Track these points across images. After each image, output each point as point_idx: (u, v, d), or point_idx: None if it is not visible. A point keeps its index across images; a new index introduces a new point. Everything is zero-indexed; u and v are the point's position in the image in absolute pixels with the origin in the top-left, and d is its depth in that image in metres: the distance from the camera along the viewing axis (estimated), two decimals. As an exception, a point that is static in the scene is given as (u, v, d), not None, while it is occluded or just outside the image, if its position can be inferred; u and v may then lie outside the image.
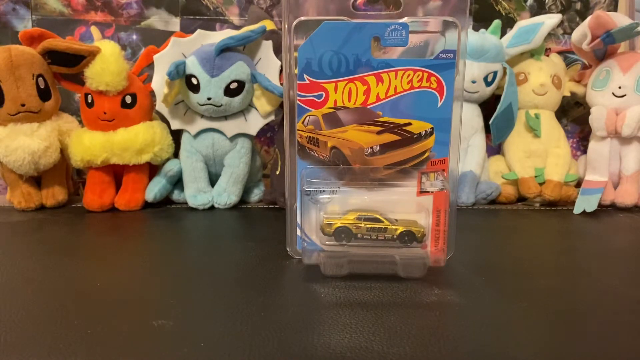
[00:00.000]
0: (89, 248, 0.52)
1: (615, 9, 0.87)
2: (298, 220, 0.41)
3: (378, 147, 0.41)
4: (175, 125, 0.70)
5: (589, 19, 0.72)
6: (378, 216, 0.40)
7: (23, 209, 0.68)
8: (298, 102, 0.41)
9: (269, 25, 0.71)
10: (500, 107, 0.73)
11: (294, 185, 0.43)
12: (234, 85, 0.66)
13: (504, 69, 0.75)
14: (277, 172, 0.71)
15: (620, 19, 0.71)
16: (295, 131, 0.42)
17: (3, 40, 0.78)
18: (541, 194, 0.73)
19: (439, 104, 0.39)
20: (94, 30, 0.82)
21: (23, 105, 0.65)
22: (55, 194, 0.69)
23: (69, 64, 0.66)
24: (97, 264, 0.46)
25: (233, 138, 0.70)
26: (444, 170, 0.40)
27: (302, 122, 0.41)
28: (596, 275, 0.42)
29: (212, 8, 0.83)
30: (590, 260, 0.47)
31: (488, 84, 0.76)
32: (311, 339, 0.30)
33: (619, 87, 0.72)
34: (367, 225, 0.39)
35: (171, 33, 0.78)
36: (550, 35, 0.83)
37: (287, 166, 0.43)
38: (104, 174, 0.70)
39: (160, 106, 0.69)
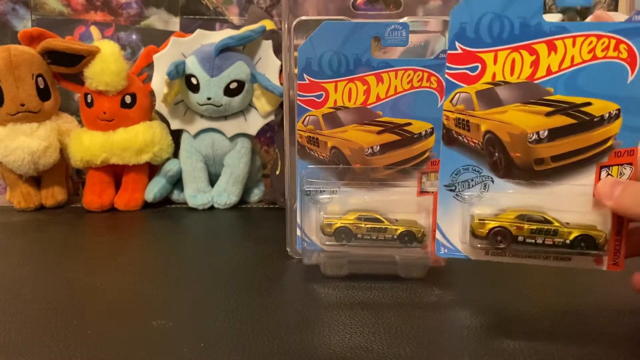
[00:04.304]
0: (89, 248, 0.52)
1: (615, 9, 0.87)
2: (298, 220, 0.41)
3: (378, 147, 0.41)
4: (174, 125, 0.70)
5: (589, 18, 0.71)
6: (378, 216, 0.39)
7: (23, 209, 0.68)
8: (298, 102, 0.41)
9: (268, 25, 0.71)
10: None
11: (294, 185, 0.43)
12: (233, 85, 0.66)
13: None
14: (277, 172, 0.71)
15: (620, 19, 0.71)
16: (295, 131, 0.42)
17: (3, 40, 0.78)
18: None
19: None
20: (94, 30, 0.82)
21: (23, 105, 0.65)
22: (54, 194, 0.69)
23: (68, 64, 0.66)
24: (96, 264, 0.46)
25: (233, 138, 0.70)
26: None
27: (302, 122, 0.41)
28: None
29: (211, 8, 0.83)
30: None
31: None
32: (311, 339, 0.30)
33: (619, 87, 0.72)
34: (367, 226, 0.39)
35: (171, 33, 0.78)
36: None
37: (287, 166, 0.43)
38: (104, 174, 0.69)
39: (160, 106, 0.69)
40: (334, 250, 0.40)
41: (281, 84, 0.68)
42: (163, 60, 0.68)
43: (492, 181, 0.33)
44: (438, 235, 0.34)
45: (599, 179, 0.31)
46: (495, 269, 0.44)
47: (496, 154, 0.33)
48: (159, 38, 0.78)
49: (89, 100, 0.67)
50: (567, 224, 0.32)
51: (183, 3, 0.82)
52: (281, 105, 0.69)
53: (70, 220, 0.63)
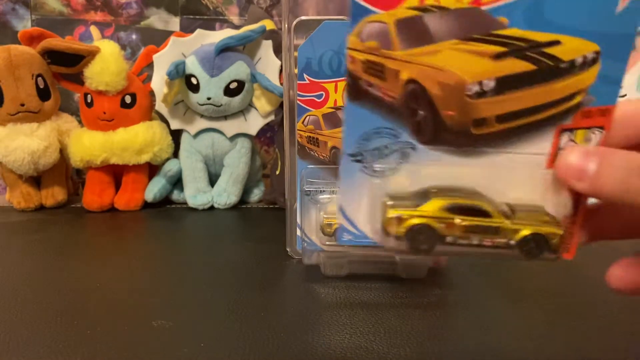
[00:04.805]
0: (89, 248, 0.52)
1: (615, 9, 0.87)
2: (298, 220, 0.41)
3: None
4: (174, 125, 0.70)
5: None
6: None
7: (23, 209, 0.68)
8: (298, 101, 0.41)
9: (268, 25, 0.71)
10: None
11: (294, 185, 0.43)
12: (233, 85, 0.66)
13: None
14: (277, 172, 0.71)
15: None
16: (295, 131, 0.42)
17: (2, 40, 0.78)
18: None
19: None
20: (94, 30, 0.82)
21: (23, 105, 0.65)
22: (54, 194, 0.69)
23: (68, 64, 0.66)
24: (96, 264, 0.46)
25: (233, 138, 0.70)
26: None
27: (302, 122, 0.41)
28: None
29: (211, 8, 0.83)
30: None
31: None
32: (311, 339, 0.30)
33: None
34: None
35: (171, 33, 0.78)
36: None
37: (287, 166, 0.43)
38: (104, 174, 0.69)
39: (160, 106, 0.69)
40: (334, 250, 0.40)
41: (281, 84, 0.68)
42: (163, 60, 0.68)
43: (414, 149, 0.25)
44: (341, 218, 0.26)
45: (557, 147, 0.23)
46: (496, 268, 0.44)
47: (420, 112, 0.24)
48: (159, 38, 0.78)
49: (89, 100, 0.67)
50: (511, 211, 0.24)
51: (183, 3, 0.82)
52: (281, 105, 0.69)
53: (70, 220, 0.63)
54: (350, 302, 0.36)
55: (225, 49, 0.66)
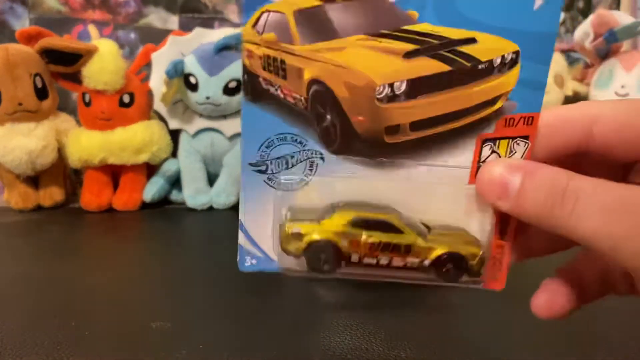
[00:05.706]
0: (87, 249, 0.52)
1: (617, 8, 0.87)
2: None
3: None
4: (173, 124, 0.70)
5: (591, 17, 0.71)
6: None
7: (20, 209, 0.68)
8: None
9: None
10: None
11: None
12: (232, 84, 0.66)
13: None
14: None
15: (623, 18, 0.70)
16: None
17: (0, 39, 0.78)
18: None
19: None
20: (92, 28, 0.81)
21: (20, 104, 0.64)
22: (52, 194, 0.69)
23: (66, 63, 0.66)
24: (94, 265, 0.45)
25: (232, 138, 0.69)
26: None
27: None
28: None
29: (210, 6, 0.82)
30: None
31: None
32: (311, 340, 0.30)
33: (622, 86, 0.72)
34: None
35: (169, 31, 0.77)
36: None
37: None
38: (102, 173, 0.69)
39: (158, 105, 0.68)
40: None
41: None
42: (161, 59, 0.67)
43: (322, 159, 0.22)
44: (242, 239, 0.23)
45: (479, 159, 0.21)
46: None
47: (328, 116, 0.21)
48: (158, 37, 0.78)
49: (87, 100, 0.67)
50: (427, 227, 0.22)
51: (182, 1, 0.82)
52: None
53: (68, 220, 0.63)
54: (350, 304, 0.35)
55: (224, 48, 0.65)
